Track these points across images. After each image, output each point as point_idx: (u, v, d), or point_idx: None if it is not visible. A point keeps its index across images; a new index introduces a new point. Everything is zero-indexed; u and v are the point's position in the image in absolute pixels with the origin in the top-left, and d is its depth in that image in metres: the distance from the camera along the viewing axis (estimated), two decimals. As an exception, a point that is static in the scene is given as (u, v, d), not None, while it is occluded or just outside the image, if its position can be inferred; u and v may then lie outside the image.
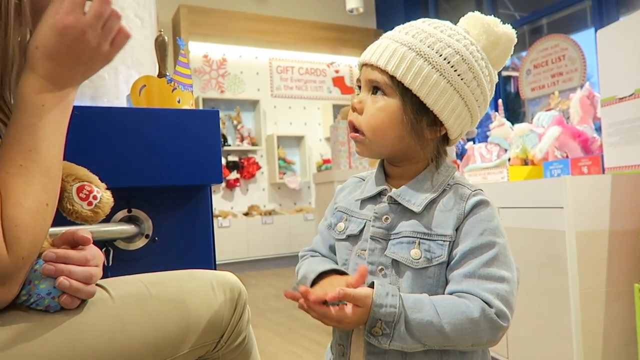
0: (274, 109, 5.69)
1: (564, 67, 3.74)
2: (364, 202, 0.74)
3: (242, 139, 5.45)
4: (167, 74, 1.22)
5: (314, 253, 0.80)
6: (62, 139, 0.64)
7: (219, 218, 4.84)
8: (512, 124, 2.33)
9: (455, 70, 0.67)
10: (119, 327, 0.62)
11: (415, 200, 0.69)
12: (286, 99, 5.78)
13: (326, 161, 5.61)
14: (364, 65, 0.72)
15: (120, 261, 1.10)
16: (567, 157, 1.87)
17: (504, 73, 5.65)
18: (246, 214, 5.21)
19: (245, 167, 5.41)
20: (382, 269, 0.68)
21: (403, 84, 0.67)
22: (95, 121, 1.02)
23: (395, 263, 0.68)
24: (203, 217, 1.18)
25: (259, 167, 5.50)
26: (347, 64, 6.13)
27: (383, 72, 0.68)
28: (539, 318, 1.51)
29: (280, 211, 5.39)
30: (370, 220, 0.71)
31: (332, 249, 0.78)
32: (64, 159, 0.71)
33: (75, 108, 0.71)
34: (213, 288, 0.74)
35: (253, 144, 5.49)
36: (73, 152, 0.78)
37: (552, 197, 1.49)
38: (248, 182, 5.50)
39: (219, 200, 5.31)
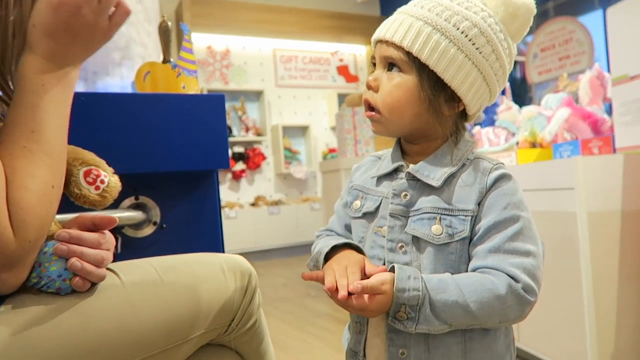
0: (278, 99, 5.67)
1: (572, 50, 3.69)
2: (380, 179, 0.73)
3: (247, 130, 5.44)
4: (172, 59, 1.21)
5: (330, 232, 0.80)
6: (66, 120, 0.63)
7: (226, 209, 4.84)
8: (519, 108, 2.30)
9: (473, 44, 0.65)
10: (129, 310, 0.62)
11: (434, 175, 0.67)
12: (290, 88, 5.76)
13: (332, 150, 5.59)
14: (379, 41, 0.70)
15: (129, 249, 1.10)
16: (576, 139, 1.85)
17: (510, 58, 5.59)
18: (253, 205, 5.22)
19: (250, 158, 5.41)
20: (402, 246, 0.67)
21: (419, 60, 0.65)
22: (101, 108, 1.01)
23: (416, 240, 0.66)
24: (210, 203, 1.17)
25: (264, 158, 5.49)
26: (351, 52, 6.09)
27: (399, 48, 0.66)
28: (551, 300, 1.50)
29: (287, 201, 5.39)
30: (386, 198, 0.70)
31: (348, 228, 0.78)
32: (69, 145, 0.70)
33: (80, 94, 0.70)
34: (223, 271, 0.73)
35: (258, 135, 5.48)
36: (79, 138, 0.78)
37: (563, 179, 1.47)
38: (254, 172, 5.50)
39: (225, 192, 5.31)
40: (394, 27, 0.67)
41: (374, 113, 0.69)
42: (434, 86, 0.66)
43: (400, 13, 0.69)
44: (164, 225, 1.14)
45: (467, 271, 0.66)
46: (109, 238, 0.66)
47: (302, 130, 5.77)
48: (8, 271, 0.55)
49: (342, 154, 3.28)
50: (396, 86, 0.67)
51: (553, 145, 1.84)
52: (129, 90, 1.22)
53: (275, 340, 2.31)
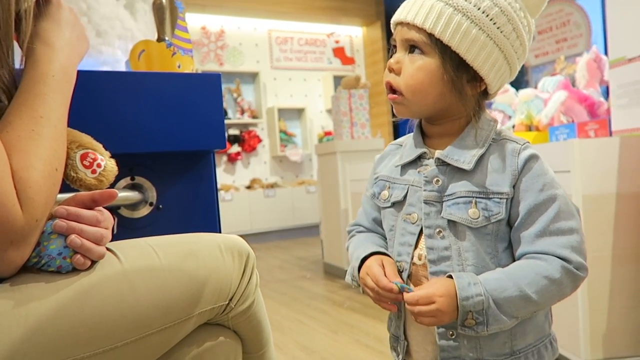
0: (274, 81, 5.63)
1: (569, 33, 3.67)
2: (404, 167, 0.74)
3: (242, 112, 5.41)
4: (166, 38, 1.19)
5: (359, 227, 0.82)
6: (67, 108, 0.68)
7: (222, 192, 4.84)
8: (516, 91, 2.29)
9: (494, 24, 0.65)
10: (127, 289, 0.62)
11: (464, 158, 0.67)
12: (286, 70, 5.71)
13: (327, 133, 5.57)
14: (399, 24, 0.69)
15: (125, 229, 1.10)
16: (573, 122, 1.85)
17: (507, 41, 5.56)
18: (248, 187, 5.21)
19: (246, 141, 5.38)
20: (439, 232, 0.68)
21: (442, 41, 0.65)
22: (96, 86, 0.99)
23: (452, 224, 0.67)
24: (207, 183, 1.16)
25: (260, 140, 5.47)
26: (348, 34, 6.03)
27: (420, 30, 0.66)
28: (544, 282, 1.51)
29: (282, 184, 5.39)
30: (413, 185, 0.71)
31: (376, 221, 0.79)
32: (67, 127, 0.71)
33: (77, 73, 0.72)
34: (221, 251, 0.73)
35: (254, 117, 5.45)
36: (75, 117, 0.77)
37: (559, 161, 1.47)
38: (249, 155, 5.48)
39: (220, 174, 5.30)
40: (415, 9, 0.66)
41: (396, 95, 0.69)
42: (456, 67, 0.66)
43: None
44: (160, 206, 1.14)
45: (504, 250, 0.68)
46: (107, 216, 0.66)
47: (298, 112, 5.74)
48: (15, 249, 0.56)
49: (337, 136, 3.27)
50: (419, 69, 0.67)
51: (549, 128, 1.84)
52: (123, 69, 1.20)
53: (271, 321, 2.32)
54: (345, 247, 0.83)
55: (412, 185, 0.71)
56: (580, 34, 3.63)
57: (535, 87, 2.20)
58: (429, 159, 0.71)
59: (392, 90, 0.69)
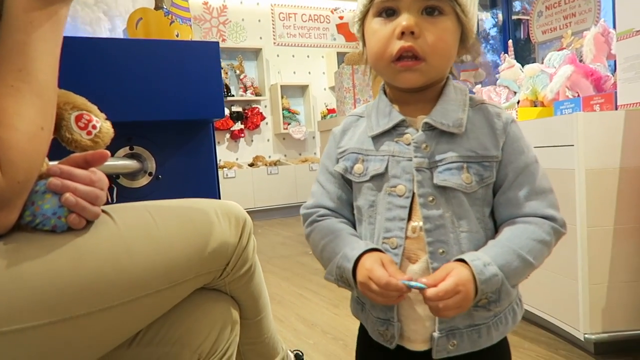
0: (277, 57, 5.57)
1: (577, 8, 3.60)
2: (377, 138, 0.69)
3: (245, 89, 5.37)
4: (164, 6, 1.17)
5: (320, 210, 0.74)
6: (55, 60, 0.61)
7: (225, 169, 4.84)
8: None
9: None
10: (122, 250, 0.62)
11: (451, 122, 0.65)
12: (289, 47, 5.65)
13: (331, 111, 5.53)
14: None
15: (124, 199, 1.10)
16: (578, 96, 1.82)
17: (514, 17, 5.45)
18: (251, 165, 5.21)
19: (249, 118, 5.36)
20: (432, 199, 0.65)
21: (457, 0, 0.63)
22: (93, 53, 0.98)
23: (443, 191, 0.65)
24: (206, 154, 1.16)
25: (263, 118, 5.44)
26: (352, 9, 5.93)
27: None
28: (544, 257, 1.51)
29: (286, 161, 5.38)
30: (393, 155, 0.67)
31: (341, 199, 0.73)
32: (60, 89, 0.69)
33: (71, 39, 0.68)
34: (217, 215, 0.73)
35: (257, 94, 5.41)
36: (70, 85, 0.76)
37: (563, 135, 1.45)
38: (252, 132, 5.46)
39: (223, 151, 5.29)
40: None
41: (418, 61, 0.63)
42: (463, 25, 0.65)
43: None
44: (160, 176, 1.14)
45: (490, 214, 0.67)
46: (101, 177, 0.65)
47: (301, 89, 5.70)
48: None
49: (341, 113, 3.24)
50: (445, 30, 0.63)
51: (554, 103, 1.82)
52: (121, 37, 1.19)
53: (274, 295, 2.35)
54: (306, 233, 0.74)
55: (393, 156, 0.67)
56: (589, 9, 3.55)
57: (542, 63, 2.16)
58: (407, 126, 0.67)
59: (414, 56, 0.63)
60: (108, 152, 0.65)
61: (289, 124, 5.53)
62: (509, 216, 0.66)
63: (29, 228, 0.59)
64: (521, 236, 0.63)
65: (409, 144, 0.66)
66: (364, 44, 0.70)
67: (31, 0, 0.58)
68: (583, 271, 1.40)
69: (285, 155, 5.61)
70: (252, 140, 5.47)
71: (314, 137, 5.68)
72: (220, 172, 4.69)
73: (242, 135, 5.34)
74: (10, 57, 0.56)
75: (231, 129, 5.26)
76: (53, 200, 0.59)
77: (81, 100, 0.73)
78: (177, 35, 1.16)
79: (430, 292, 0.58)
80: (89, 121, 0.71)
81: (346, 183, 0.73)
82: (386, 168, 0.67)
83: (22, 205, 0.57)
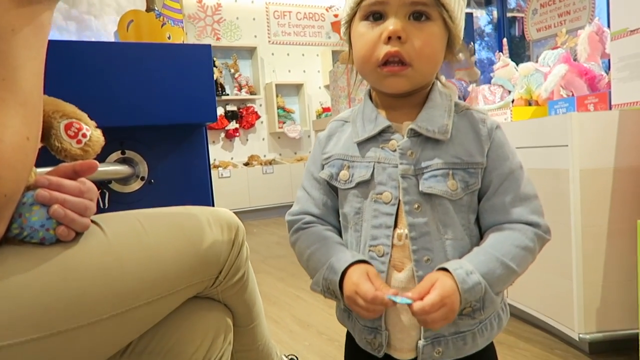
0: (271, 56, 5.55)
1: (572, 6, 3.60)
2: (363, 144, 0.68)
3: (240, 88, 5.35)
4: (156, 8, 1.16)
5: (305, 216, 0.73)
6: (40, 67, 0.59)
7: (219, 168, 4.82)
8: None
9: None
10: (112, 260, 0.61)
11: (437, 128, 0.65)
12: (284, 45, 5.63)
13: (326, 109, 5.52)
14: None
15: (116, 204, 1.09)
16: (573, 95, 1.82)
17: (509, 14, 5.46)
18: (246, 164, 5.20)
19: (244, 117, 5.34)
20: (418, 206, 0.64)
21: (444, 5, 0.62)
22: (83, 57, 0.97)
23: (428, 198, 0.64)
24: (199, 158, 1.15)
25: (258, 117, 5.42)
26: (347, 7, 5.92)
27: None
28: (539, 255, 1.51)
29: (281, 160, 5.37)
30: (379, 162, 0.66)
31: (327, 206, 0.72)
32: (49, 96, 0.67)
33: (61, 43, 0.66)
34: (209, 224, 0.72)
35: (251, 93, 5.39)
36: (60, 89, 0.75)
37: (557, 135, 1.45)
38: (247, 132, 5.44)
39: (218, 151, 5.27)
40: None
41: (405, 66, 0.62)
42: (450, 30, 0.64)
43: None
44: (152, 181, 1.13)
45: (475, 221, 0.67)
46: (90, 187, 0.64)
47: (296, 88, 5.68)
48: None
49: (335, 112, 3.24)
50: (432, 35, 0.62)
51: (549, 102, 1.82)
52: (112, 39, 1.18)
53: (269, 296, 2.34)
54: (291, 241, 0.73)
55: (379, 162, 0.66)
56: (584, 7, 3.55)
57: (536, 61, 2.16)
58: (393, 132, 0.66)
59: (400, 61, 0.62)
60: (97, 163, 0.64)
61: (284, 123, 5.52)
62: (493, 222, 0.66)
63: (17, 241, 0.58)
64: (504, 243, 0.63)
65: (394, 150, 0.65)
66: (350, 47, 0.69)
67: (9, 4, 0.54)
68: (577, 271, 1.40)
69: (280, 154, 5.60)
70: (247, 140, 5.45)
71: (309, 136, 5.67)
72: (215, 171, 4.68)
73: (237, 134, 5.33)
74: None
75: (226, 128, 5.24)
76: (41, 212, 0.58)
77: (71, 108, 0.72)
78: (169, 38, 1.15)
79: (417, 306, 0.57)
80: (79, 129, 0.70)
81: (332, 189, 0.72)
82: (372, 175, 0.66)
83: (9, 218, 0.56)
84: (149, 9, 1.15)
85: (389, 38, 0.61)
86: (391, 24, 0.61)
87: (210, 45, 1.07)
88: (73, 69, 0.94)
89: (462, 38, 0.67)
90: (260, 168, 5.01)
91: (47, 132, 0.68)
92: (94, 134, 0.73)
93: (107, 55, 0.98)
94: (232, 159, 5.33)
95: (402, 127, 0.67)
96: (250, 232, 4.12)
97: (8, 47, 0.54)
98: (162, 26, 1.13)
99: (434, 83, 0.69)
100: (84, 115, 0.74)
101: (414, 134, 0.65)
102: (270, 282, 2.55)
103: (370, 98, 0.71)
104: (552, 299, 1.53)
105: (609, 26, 1.75)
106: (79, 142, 0.70)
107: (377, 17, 0.63)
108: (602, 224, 1.40)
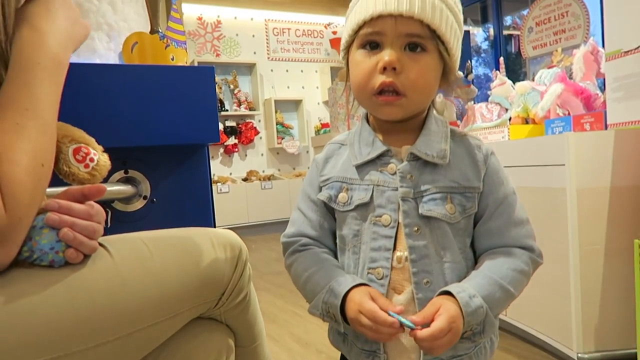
0: (270, 72, 5.60)
1: (567, 24, 3.65)
2: (362, 167, 0.69)
3: (239, 104, 5.39)
4: (160, 30, 1.18)
5: (302, 239, 0.73)
6: (58, 98, 0.64)
7: (218, 184, 4.83)
8: (513, 83, 2.28)
9: (460, 12, 0.66)
10: (118, 284, 0.62)
11: (435, 152, 0.66)
12: (283, 62, 5.68)
13: (324, 125, 5.56)
14: (395, 17, 0.62)
15: (119, 222, 1.09)
16: (569, 114, 1.85)
17: (505, 32, 5.53)
18: (245, 180, 5.21)
19: (243, 132, 5.37)
20: (417, 229, 0.65)
21: (440, 37, 0.63)
22: (88, 79, 0.99)
23: (427, 221, 0.65)
24: (201, 177, 1.16)
25: (257, 132, 5.45)
26: (345, 25, 5.99)
27: (422, 24, 0.62)
28: (538, 274, 1.51)
29: (279, 176, 5.39)
30: (378, 185, 0.67)
31: (323, 228, 0.73)
32: (57, 118, 0.69)
33: (69, 65, 0.69)
34: (213, 245, 0.73)
35: (250, 109, 5.43)
36: (66, 110, 0.76)
37: (554, 155, 1.47)
38: (246, 147, 5.47)
39: (217, 166, 5.29)
40: (407, 0, 0.61)
41: (399, 96, 0.64)
42: (443, 62, 0.66)
43: None
44: (154, 200, 1.14)
45: (470, 244, 0.68)
46: (98, 210, 0.65)
47: (295, 104, 5.72)
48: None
49: (334, 129, 3.26)
50: (426, 67, 0.64)
51: (545, 121, 1.84)
52: (116, 61, 1.20)
53: (267, 313, 2.33)
54: (287, 263, 0.74)
55: (378, 185, 0.67)
56: (579, 26, 3.61)
57: (532, 79, 2.19)
58: (391, 156, 0.68)
59: (394, 91, 0.64)
60: (105, 187, 0.66)
61: (282, 139, 5.55)
62: (489, 246, 0.67)
63: (27, 263, 0.59)
64: (502, 267, 0.64)
65: (393, 174, 0.66)
66: (348, 72, 0.71)
67: (39, 40, 0.62)
68: (575, 290, 1.41)
69: (279, 170, 5.62)
70: (246, 155, 5.48)
71: (307, 152, 5.70)
72: (214, 187, 4.69)
73: (236, 149, 5.35)
74: (18, 96, 0.58)
75: (225, 143, 5.27)
76: (50, 235, 0.59)
77: (79, 133, 0.73)
78: (173, 59, 1.17)
79: (425, 333, 0.57)
80: (87, 154, 0.72)
81: (328, 211, 0.72)
82: (371, 197, 0.67)
83: (22, 241, 0.58)
84: (153, 31, 1.17)
85: (385, 68, 0.63)
86: (387, 55, 0.63)
87: (213, 67, 1.09)
88: (80, 91, 0.96)
89: (457, 69, 0.69)
90: (259, 183, 5.02)
91: (56, 156, 0.70)
92: (101, 158, 0.74)
93: (112, 78, 1.00)
94: (230, 174, 5.34)
95: (401, 151, 0.68)
96: (249, 247, 4.10)
97: (33, 79, 0.59)
98: (165, 48, 1.15)
99: (429, 109, 0.71)
100: (92, 140, 0.75)
101: (413, 157, 0.67)
102: (268, 299, 2.54)
103: (367, 121, 0.73)
104: (551, 318, 1.54)
105: (603, 45, 1.79)
106: (86, 166, 0.72)
107: (374, 46, 0.65)
108: (599, 243, 1.41)
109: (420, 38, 0.63)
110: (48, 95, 0.61)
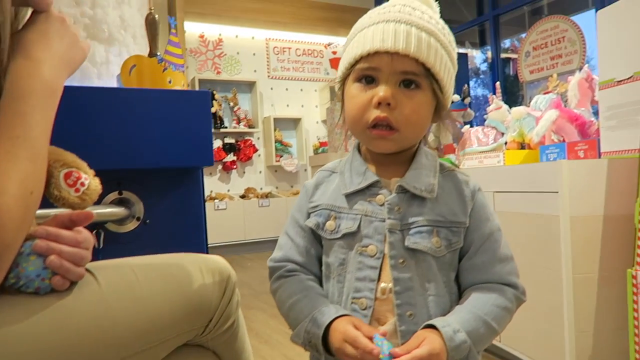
0: (270, 90, 5.64)
1: (564, 49, 3.69)
2: (351, 196, 0.69)
3: (238, 121, 5.41)
4: (158, 53, 1.20)
5: (288, 264, 0.74)
6: (50, 126, 0.64)
7: (216, 200, 4.83)
8: (511, 107, 2.30)
9: (453, 49, 0.67)
10: (104, 311, 0.62)
11: (423, 186, 0.67)
12: (283, 80, 5.73)
13: (323, 144, 5.57)
14: (391, 54, 0.63)
15: (112, 243, 1.10)
16: (563, 141, 1.86)
17: (503, 55, 5.59)
18: (243, 197, 5.20)
19: (241, 150, 5.38)
20: (403, 261, 0.65)
21: (433, 75, 0.65)
22: (85, 101, 1.00)
23: (413, 254, 0.65)
24: (194, 200, 1.17)
25: (255, 150, 5.47)
26: (345, 45, 6.05)
27: (417, 62, 0.63)
28: (531, 302, 1.50)
29: (277, 194, 5.38)
30: (366, 215, 0.67)
31: (310, 254, 0.73)
32: (52, 141, 0.70)
33: (66, 88, 0.70)
34: (201, 272, 0.73)
35: (250, 126, 5.45)
36: (62, 133, 0.77)
37: (548, 182, 1.48)
38: (245, 164, 5.48)
39: (215, 183, 5.29)
40: (410, 40, 0.62)
41: (392, 131, 0.65)
42: (437, 98, 0.67)
43: (403, 23, 0.63)
44: (147, 221, 1.14)
45: (455, 278, 0.68)
46: (87, 236, 0.66)
47: (294, 122, 5.75)
48: None
49: (332, 148, 3.28)
50: (420, 103, 0.65)
51: (540, 147, 1.85)
52: (114, 83, 1.21)
53: (260, 334, 2.31)
54: (272, 288, 0.75)
55: (366, 215, 0.67)
56: (575, 51, 3.65)
57: (528, 105, 2.21)
58: (380, 187, 0.68)
59: (388, 126, 0.65)
60: (93, 213, 0.66)
61: (281, 157, 5.56)
62: (473, 281, 0.68)
63: (13, 290, 0.59)
64: (486, 303, 0.65)
65: (382, 205, 0.67)
66: (343, 105, 0.72)
67: (34, 69, 0.61)
68: (569, 318, 1.41)
69: (276, 188, 5.62)
70: (244, 172, 5.48)
71: (305, 170, 5.71)
72: (211, 203, 4.68)
73: (234, 166, 5.36)
74: (11, 124, 0.58)
75: (223, 160, 5.27)
76: (37, 262, 0.59)
77: (71, 158, 0.74)
78: (170, 82, 1.18)
79: (404, 358, 0.57)
80: (78, 178, 0.72)
81: (316, 238, 0.73)
82: (358, 227, 0.67)
83: (8, 268, 0.57)
84: (152, 54, 1.19)
85: (379, 103, 0.64)
86: (382, 91, 0.64)
87: (209, 91, 1.11)
88: (76, 113, 0.97)
89: (449, 105, 0.70)
90: (257, 201, 5.02)
91: (47, 180, 0.70)
92: (92, 182, 0.75)
93: (109, 101, 1.01)
94: (228, 191, 5.34)
95: (390, 183, 0.69)
96: (245, 265, 4.10)
97: (26, 108, 0.59)
98: (163, 71, 1.17)
99: (420, 142, 0.72)
100: (84, 164, 0.75)
101: (402, 190, 0.67)
102: (262, 319, 2.52)
103: (359, 151, 0.74)
104: (544, 346, 1.53)
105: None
106: (77, 190, 0.72)
107: (369, 80, 0.66)
108: (592, 272, 1.41)
109: (415, 75, 0.64)
110: (40, 123, 0.60)
